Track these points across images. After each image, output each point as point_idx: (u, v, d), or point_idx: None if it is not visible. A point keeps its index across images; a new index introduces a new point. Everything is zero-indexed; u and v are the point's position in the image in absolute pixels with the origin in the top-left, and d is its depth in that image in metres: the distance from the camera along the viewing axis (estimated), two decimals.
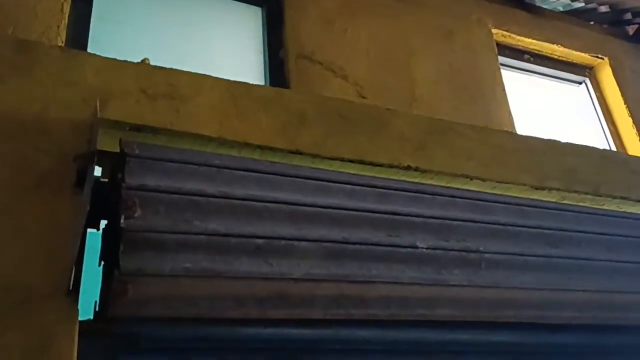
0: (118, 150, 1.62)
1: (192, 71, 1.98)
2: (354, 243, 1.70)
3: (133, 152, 1.54)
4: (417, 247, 1.78)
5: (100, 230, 1.69)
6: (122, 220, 1.40)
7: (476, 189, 2.17)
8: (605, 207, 2.41)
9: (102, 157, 1.72)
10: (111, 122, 1.75)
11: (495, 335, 2.13)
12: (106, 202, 1.63)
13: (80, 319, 1.49)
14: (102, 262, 1.65)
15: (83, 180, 1.54)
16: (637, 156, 2.77)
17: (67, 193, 1.57)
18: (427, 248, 1.79)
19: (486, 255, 1.87)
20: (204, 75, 1.98)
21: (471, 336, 2.10)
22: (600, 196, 2.41)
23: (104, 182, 1.78)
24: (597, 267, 2.03)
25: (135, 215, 1.43)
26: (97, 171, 1.82)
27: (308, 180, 1.76)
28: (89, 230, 1.67)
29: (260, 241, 1.57)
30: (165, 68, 1.95)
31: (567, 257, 1.98)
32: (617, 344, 2.35)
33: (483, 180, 2.22)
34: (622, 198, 2.44)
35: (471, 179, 2.20)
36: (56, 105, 1.76)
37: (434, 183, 2.11)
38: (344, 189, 1.80)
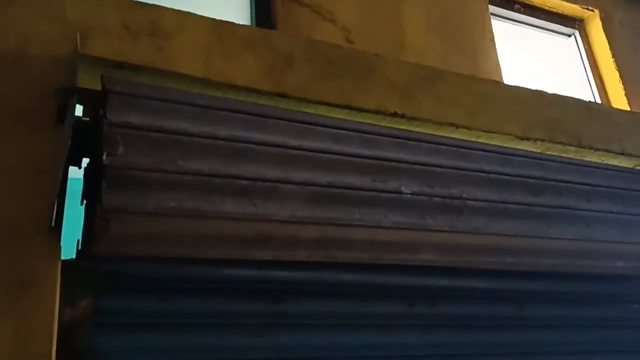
0: (99, 88, 1.58)
1: (176, 8, 1.92)
2: (338, 187, 1.71)
3: (115, 88, 1.51)
4: (401, 193, 1.79)
5: (82, 170, 1.68)
6: (104, 157, 1.38)
7: (461, 138, 2.17)
8: (587, 158, 2.44)
9: (84, 96, 1.68)
10: (92, 59, 1.70)
11: (474, 281, 2.18)
12: (88, 140, 1.60)
13: (63, 258, 1.49)
14: (85, 201, 1.64)
15: (63, 116, 1.51)
16: (621, 109, 2.78)
17: (48, 130, 1.54)
18: (411, 194, 1.80)
19: (469, 202, 1.88)
20: (188, 12, 1.93)
21: (450, 282, 2.14)
22: (583, 148, 2.43)
23: (85, 120, 1.75)
24: (576, 216, 2.06)
25: (118, 152, 1.41)
26: (79, 111, 1.78)
27: (293, 123, 1.75)
28: (70, 169, 1.66)
29: (245, 182, 1.56)
30: (148, 4, 1.89)
31: (547, 206, 2.01)
32: (593, 292, 2.41)
33: (469, 129, 2.23)
34: (605, 150, 2.47)
35: (457, 128, 2.20)
36: (35, 40, 1.71)
37: (420, 131, 2.10)
38: (330, 132, 1.79)
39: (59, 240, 1.43)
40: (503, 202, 1.94)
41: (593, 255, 2.10)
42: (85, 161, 1.70)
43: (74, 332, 1.54)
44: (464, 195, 1.88)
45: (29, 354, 1.36)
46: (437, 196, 1.84)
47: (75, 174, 1.71)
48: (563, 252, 2.03)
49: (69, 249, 1.62)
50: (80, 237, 1.63)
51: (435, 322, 2.09)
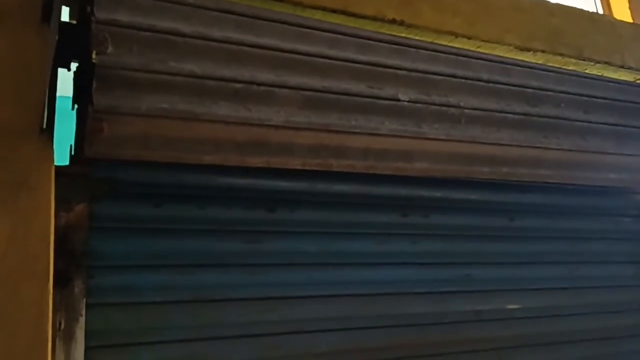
0: None
1: None
2: (334, 92, 1.67)
3: None
4: (398, 100, 1.76)
5: (72, 72, 1.63)
6: (93, 56, 1.34)
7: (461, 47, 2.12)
8: (587, 71, 2.39)
9: None
10: None
11: (467, 193, 2.20)
12: (76, 42, 1.55)
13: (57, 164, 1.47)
14: (76, 105, 1.60)
15: (49, 14, 1.45)
16: (624, 21, 2.70)
17: (33, 29, 1.48)
18: (408, 101, 1.77)
19: (466, 110, 1.86)
20: None
21: (443, 193, 2.16)
22: (583, 60, 2.38)
23: (73, 23, 1.69)
24: (573, 127, 2.05)
25: (108, 51, 1.36)
26: (65, 14, 1.71)
27: (289, 26, 1.69)
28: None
29: (239, 85, 1.53)
30: None
31: (545, 116, 1.99)
32: (585, 205, 2.44)
33: (468, 38, 2.16)
34: (605, 63, 2.42)
35: (456, 37, 2.14)
36: None
37: (419, 39, 2.05)
38: (326, 37, 1.73)
39: (52, 142, 1.41)
40: (500, 112, 1.91)
41: (588, 166, 2.10)
42: (74, 67, 1.65)
43: (70, 235, 1.55)
44: (462, 104, 1.85)
45: (26, 254, 1.37)
46: (435, 104, 1.81)
47: (65, 92, 1.66)
48: (558, 162, 2.03)
49: (62, 158, 1.60)
50: (73, 143, 1.61)
51: (428, 232, 2.12)
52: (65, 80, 1.65)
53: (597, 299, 2.41)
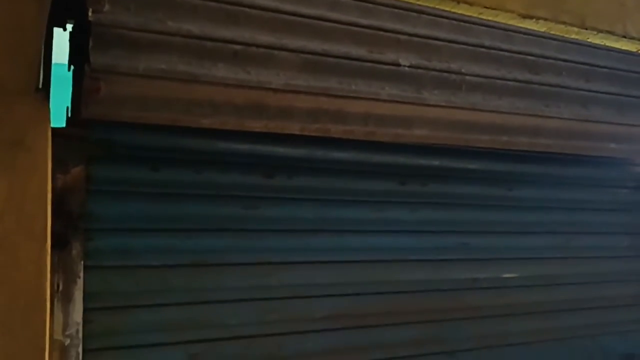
0: None
1: None
2: (334, 56, 1.65)
3: None
4: (399, 65, 1.74)
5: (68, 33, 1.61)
6: (90, 14, 1.31)
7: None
8: (589, 40, 2.36)
9: None
10: None
11: (466, 162, 2.19)
12: (72, 0, 1.51)
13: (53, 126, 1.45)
14: (72, 67, 1.58)
15: None
16: None
17: None
18: (409, 66, 1.75)
19: (467, 77, 1.84)
20: None
21: (442, 162, 2.15)
22: (586, 29, 2.34)
23: None
24: (574, 95, 2.03)
25: (104, 9, 1.33)
26: None
27: None
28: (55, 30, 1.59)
29: (238, 47, 1.50)
30: None
31: (546, 84, 1.97)
32: (583, 175, 2.44)
33: (470, 4, 2.12)
34: (607, 32, 2.38)
35: (458, 3, 2.10)
36: None
37: (421, 4, 2.01)
38: (327, 0, 1.70)
39: (48, 101, 1.39)
40: (501, 79, 1.89)
41: (588, 136, 2.09)
42: (70, 28, 1.62)
43: (67, 197, 1.54)
44: (463, 70, 1.83)
45: (24, 214, 1.36)
46: (435, 70, 1.79)
47: (61, 59, 1.64)
48: (558, 131, 2.02)
49: (59, 119, 1.58)
50: (69, 105, 1.59)
51: (426, 200, 2.12)
52: (60, 46, 1.63)
53: (592, 269, 2.43)
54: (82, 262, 1.51)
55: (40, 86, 1.40)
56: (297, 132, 1.69)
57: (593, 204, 2.49)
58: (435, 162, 2.15)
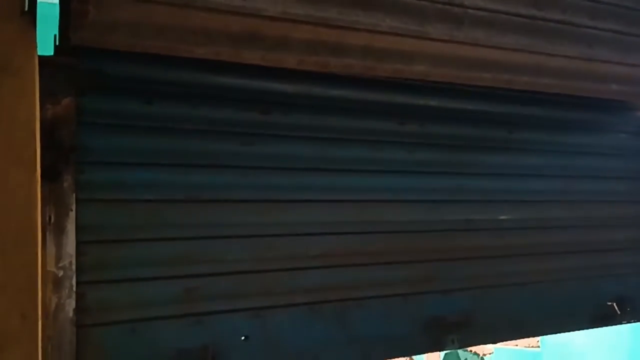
0: None
1: None
2: None
3: None
4: None
5: None
6: None
7: None
8: None
9: None
10: None
11: (466, 102, 2.15)
12: None
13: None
14: None
15: None
16: None
17: None
18: None
19: (470, 11, 1.78)
20: None
21: (441, 102, 2.11)
22: None
23: None
24: (579, 33, 1.98)
25: None
26: None
27: None
28: None
29: None
30: None
31: (551, 20, 1.91)
32: (584, 119, 2.41)
33: None
34: None
35: None
36: None
37: None
38: None
39: (34, 25, 1.33)
40: (505, 14, 1.83)
41: (591, 76, 2.05)
42: None
43: (57, 128, 1.49)
44: (466, 4, 1.77)
45: (12, 140, 1.32)
46: (438, 2, 1.72)
47: None
48: (562, 71, 1.97)
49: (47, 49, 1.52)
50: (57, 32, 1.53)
51: (424, 141, 2.09)
52: None
53: (589, 213, 2.43)
54: (74, 195, 1.48)
55: (26, 9, 1.33)
56: (294, 66, 1.64)
57: (592, 148, 2.47)
58: (434, 103, 2.10)
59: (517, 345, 5.11)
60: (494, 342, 4.50)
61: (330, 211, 1.87)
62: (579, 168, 2.42)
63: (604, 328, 4.09)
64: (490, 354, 4.99)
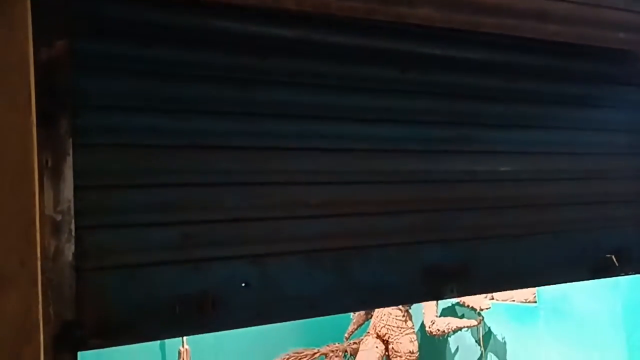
0: None
1: None
2: None
3: None
4: None
5: None
6: None
7: None
8: None
9: None
10: None
11: (468, 51, 2.11)
12: None
13: None
14: None
15: None
16: None
17: None
18: None
19: None
20: None
21: (444, 50, 2.07)
22: None
23: None
24: None
25: None
26: None
27: None
28: None
29: None
30: None
31: None
32: (587, 70, 2.37)
33: None
34: None
35: None
36: None
37: None
38: None
39: None
40: None
41: (598, 23, 2.00)
42: None
43: (52, 71, 1.46)
44: None
45: (6, 84, 1.30)
46: None
47: None
48: (568, 17, 1.93)
49: None
50: None
51: (426, 90, 2.06)
52: None
53: (590, 165, 2.41)
54: (71, 140, 1.46)
55: None
56: (293, 7, 1.60)
57: (595, 100, 2.44)
58: (438, 50, 2.07)
59: (513, 300, 5.17)
60: (493, 292, 4.56)
61: (331, 160, 1.86)
62: (581, 120, 2.39)
63: (601, 284, 4.14)
64: (487, 308, 5.05)
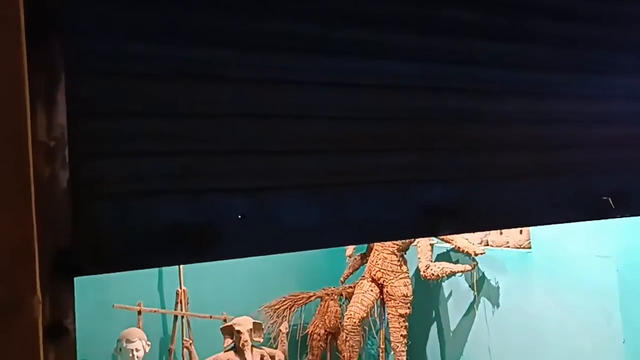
0: None
1: None
2: None
3: None
4: None
5: None
6: None
7: None
8: None
9: None
10: None
11: None
12: None
13: None
14: None
15: None
16: None
17: None
18: None
19: None
20: None
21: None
22: None
23: None
24: None
25: None
26: None
27: None
28: None
29: None
30: None
31: None
32: (603, 7, 2.31)
33: None
34: None
35: None
36: None
37: None
38: None
39: None
40: None
41: None
42: None
43: None
44: None
45: None
46: None
47: None
48: None
49: None
50: None
51: (429, 25, 2.00)
52: None
53: (590, 108, 2.38)
54: (64, 65, 1.41)
55: None
56: None
57: (600, 42, 2.38)
58: None
59: (508, 246, 5.23)
60: (488, 230, 4.61)
61: (333, 94, 1.82)
62: (586, 61, 2.35)
63: (596, 230, 4.17)
64: (482, 253, 5.11)
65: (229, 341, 4.67)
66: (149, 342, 4.48)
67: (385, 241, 5.13)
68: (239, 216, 1.64)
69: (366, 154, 1.87)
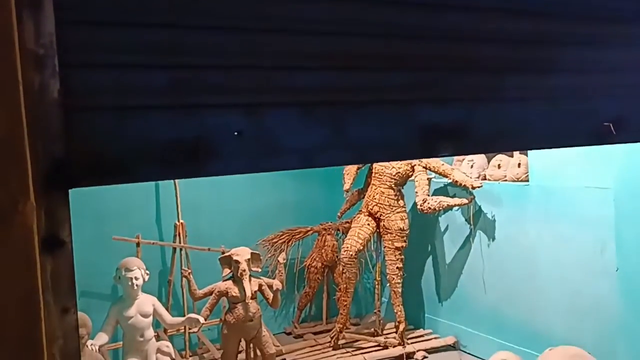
0: None
1: None
2: None
3: None
4: None
5: None
6: None
7: None
8: None
9: None
10: None
11: None
12: None
13: None
14: None
15: None
16: None
17: None
18: None
19: None
20: None
21: None
22: None
23: None
24: None
25: None
26: None
27: None
28: None
29: None
30: None
31: None
32: None
33: None
34: None
35: None
36: None
37: None
38: None
39: None
40: None
41: None
42: None
43: None
44: None
45: None
46: None
47: None
48: None
49: None
50: None
51: None
52: None
53: (592, 30, 2.32)
54: None
55: None
56: None
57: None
58: None
59: (505, 179, 5.23)
60: (487, 152, 4.60)
61: (329, 9, 1.76)
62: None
63: (594, 162, 4.16)
64: (479, 187, 5.12)
65: (227, 271, 4.73)
66: (147, 272, 4.53)
67: (385, 161, 5.11)
68: (235, 132, 1.61)
69: (364, 71, 1.83)
